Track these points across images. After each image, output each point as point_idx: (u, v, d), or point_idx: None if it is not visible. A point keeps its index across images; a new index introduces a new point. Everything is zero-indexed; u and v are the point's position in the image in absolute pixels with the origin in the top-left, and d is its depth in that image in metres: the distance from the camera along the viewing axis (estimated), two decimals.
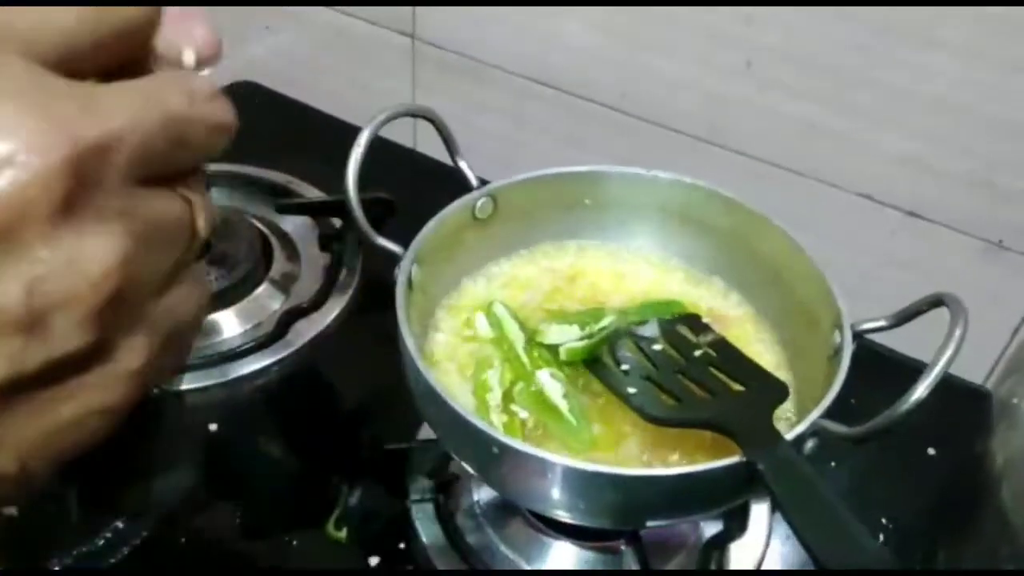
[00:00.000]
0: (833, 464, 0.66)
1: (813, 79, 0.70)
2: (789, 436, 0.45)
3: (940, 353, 0.43)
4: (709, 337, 0.56)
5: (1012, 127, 0.64)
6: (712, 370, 0.52)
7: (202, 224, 0.24)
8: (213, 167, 0.80)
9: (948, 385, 0.44)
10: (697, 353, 0.54)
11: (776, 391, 0.51)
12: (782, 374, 0.56)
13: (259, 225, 0.76)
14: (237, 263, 0.70)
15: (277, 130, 0.88)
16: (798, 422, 0.46)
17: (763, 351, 0.59)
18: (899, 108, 0.68)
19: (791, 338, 0.58)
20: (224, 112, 0.24)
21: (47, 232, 0.20)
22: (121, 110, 0.21)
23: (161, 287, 0.23)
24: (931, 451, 0.66)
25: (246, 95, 0.93)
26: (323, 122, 0.93)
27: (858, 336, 0.51)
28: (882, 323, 0.51)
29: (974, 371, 0.70)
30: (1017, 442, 0.46)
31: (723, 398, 0.50)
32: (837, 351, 0.51)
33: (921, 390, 0.43)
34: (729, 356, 0.54)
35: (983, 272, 0.70)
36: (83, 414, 0.22)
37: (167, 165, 0.23)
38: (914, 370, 0.43)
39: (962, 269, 0.70)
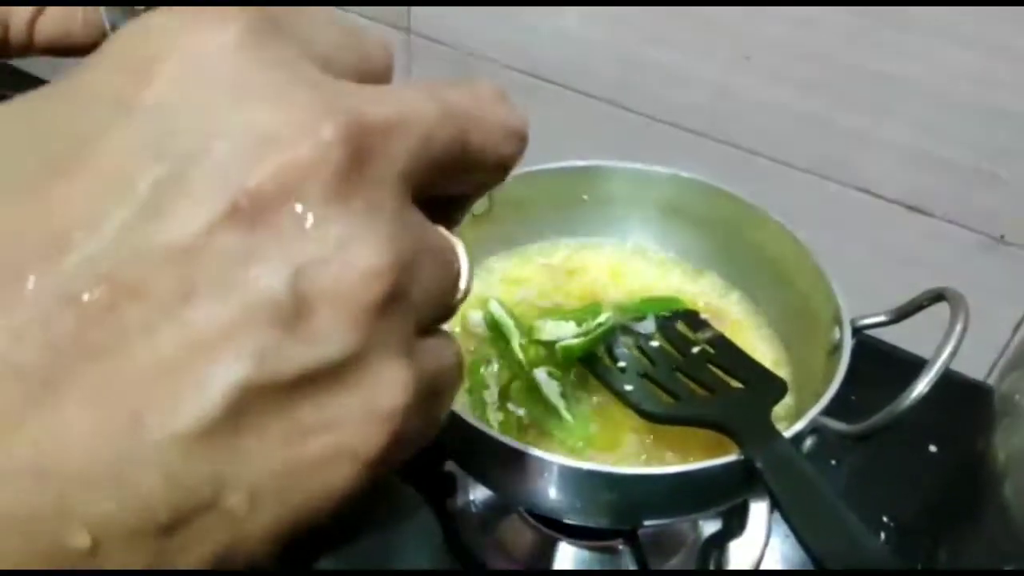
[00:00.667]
0: (834, 462, 0.65)
1: (813, 72, 0.69)
2: (788, 433, 0.44)
3: (940, 349, 0.42)
4: (707, 334, 0.55)
5: (1015, 119, 0.64)
6: (710, 367, 0.52)
7: (465, 277, 0.21)
8: None
9: (949, 381, 0.43)
10: (695, 350, 0.53)
11: (775, 388, 0.50)
12: (781, 371, 0.55)
13: None
14: None
15: None
16: (797, 419, 0.45)
17: (762, 347, 0.58)
18: (899, 101, 0.67)
19: (790, 334, 0.58)
20: (514, 115, 0.22)
21: (319, 211, 0.17)
22: (402, 98, 0.19)
23: (424, 325, 0.20)
24: (932, 448, 0.65)
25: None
26: None
27: (858, 332, 0.51)
28: (882, 319, 0.51)
29: (977, 367, 0.69)
30: (1019, 439, 0.46)
31: (721, 395, 0.49)
32: (837, 347, 0.50)
33: (921, 386, 0.42)
34: (727, 353, 0.53)
35: (985, 267, 0.69)
36: (331, 455, 0.18)
37: (446, 174, 0.20)
38: (916, 366, 0.43)
39: (964, 264, 0.70)
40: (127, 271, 0.16)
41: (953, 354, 0.42)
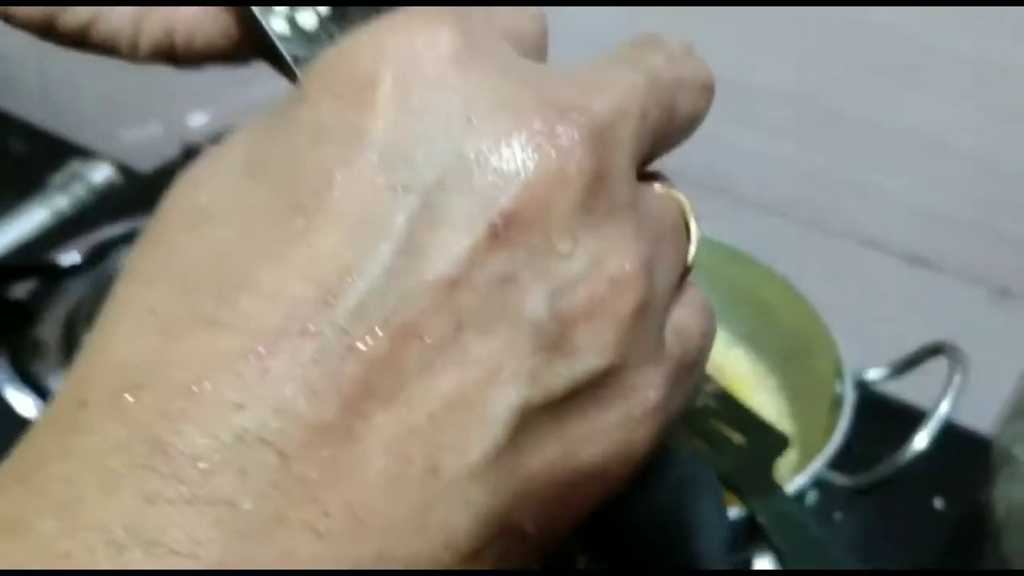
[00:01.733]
0: (839, 515, 0.65)
1: (817, 126, 0.70)
2: (790, 488, 0.44)
3: (938, 402, 0.43)
4: (710, 387, 0.55)
5: (1015, 175, 0.64)
6: (713, 421, 0.52)
7: (695, 227, 0.21)
8: None
9: (954, 433, 0.43)
10: (698, 404, 0.53)
11: (777, 442, 0.50)
12: (785, 424, 0.55)
13: None
14: None
15: None
16: (801, 473, 0.45)
17: (766, 401, 0.58)
18: (901, 154, 0.68)
19: (793, 388, 0.58)
20: (703, 67, 0.22)
21: (570, 226, 0.17)
22: (613, 79, 0.18)
23: (668, 305, 0.20)
24: (938, 500, 0.64)
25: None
26: None
27: (860, 386, 0.51)
28: (883, 373, 0.51)
29: (982, 418, 0.69)
30: (1018, 491, 0.46)
31: (724, 450, 0.50)
32: (839, 401, 0.50)
33: (920, 439, 0.42)
34: (730, 407, 0.53)
35: (990, 319, 0.69)
36: (602, 461, 0.18)
37: (659, 144, 0.20)
38: (919, 418, 0.43)
39: (969, 316, 0.69)
40: (400, 314, 0.16)
41: (951, 407, 0.42)
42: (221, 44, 0.28)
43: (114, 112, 0.99)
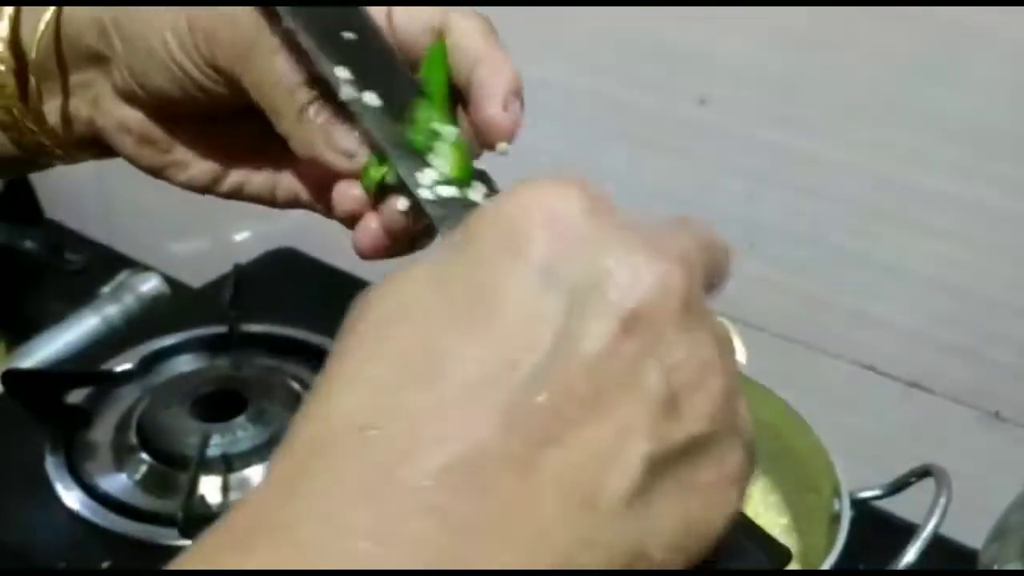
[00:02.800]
0: None
1: (812, 256, 0.75)
2: None
3: (926, 521, 0.46)
4: None
5: (1007, 308, 0.69)
6: None
7: (739, 342, 0.28)
8: (254, 328, 0.85)
9: (949, 549, 0.46)
10: None
11: (780, 555, 0.53)
12: (788, 538, 0.59)
13: (294, 384, 0.80)
14: (271, 420, 0.74)
15: (314, 294, 0.94)
16: None
17: (768, 515, 0.61)
18: (899, 286, 0.72)
19: (794, 503, 0.61)
20: (725, 241, 0.28)
21: (674, 323, 0.23)
22: (686, 239, 0.26)
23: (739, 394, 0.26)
24: None
25: (286, 260, 1.00)
26: (356, 286, 0.98)
27: (856, 503, 0.54)
28: (877, 492, 0.55)
29: (977, 534, 0.72)
30: None
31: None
32: (837, 517, 0.54)
33: (910, 555, 0.46)
34: (738, 520, 0.56)
35: (982, 441, 0.73)
36: (707, 507, 0.24)
37: (709, 285, 0.27)
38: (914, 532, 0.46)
39: (962, 438, 0.73)
40: (561, 379, 0.23)
41: (937, 525, 0.46)
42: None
43: (166, 228, 1.06)
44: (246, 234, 1.03)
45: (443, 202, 0.30)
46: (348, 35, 0.33)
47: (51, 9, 0.36)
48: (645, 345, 0.23)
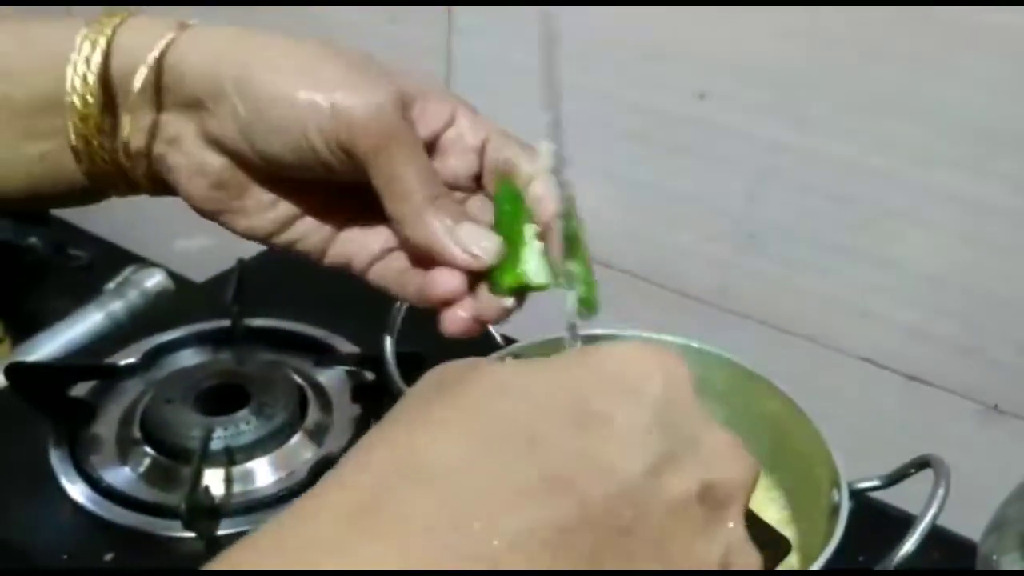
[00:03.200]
0: None
1: (815, 252, 0.75)
2: None
3: (924, 511, 0.46)
4: None
5: (1004, 302, 0.69)
6: None
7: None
8: (257, 322, 0.86)
9: (948, 541, 0.47)
10: None
11: (780, 547, 0.54)
12: (787, 530, 0.59)
13: (296, 378, 0.81)
14: (274, 414, 0.75)
15: (317, 289, 0.94)
16: None
17: (769, 508, 0.62)
18: (899, 281, 0.73)
19: (795, 496, 0.62)
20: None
21: (739, 514, 0.27)
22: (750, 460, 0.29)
23: None
24: None
25: (289, 255, 1.00)
26: (359, 281, 0.99)
27: (855, 495, 0.55)
28: (876, 483, 0.55)
29: (975, 527, 0.72)
30: None
31: None
32: (836, 509, 0.54)
33: (908, 546, 0.46)
34: None
35: (981, 434, 0.73)
36: None
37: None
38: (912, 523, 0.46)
39: (961, 431, 0.74)
40: (642, 506, 0.25)
41: (936, 516, 0.46)
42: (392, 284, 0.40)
43: (170, 224, 1.06)
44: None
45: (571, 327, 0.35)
46: None
47: (152, 51, 0.36)
48: (713, 518, 0.26)
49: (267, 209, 0.39)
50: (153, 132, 0.37)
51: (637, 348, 0.28)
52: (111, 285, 0.96)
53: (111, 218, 1.11)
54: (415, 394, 0.27)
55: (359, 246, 0.40)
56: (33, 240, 1.02)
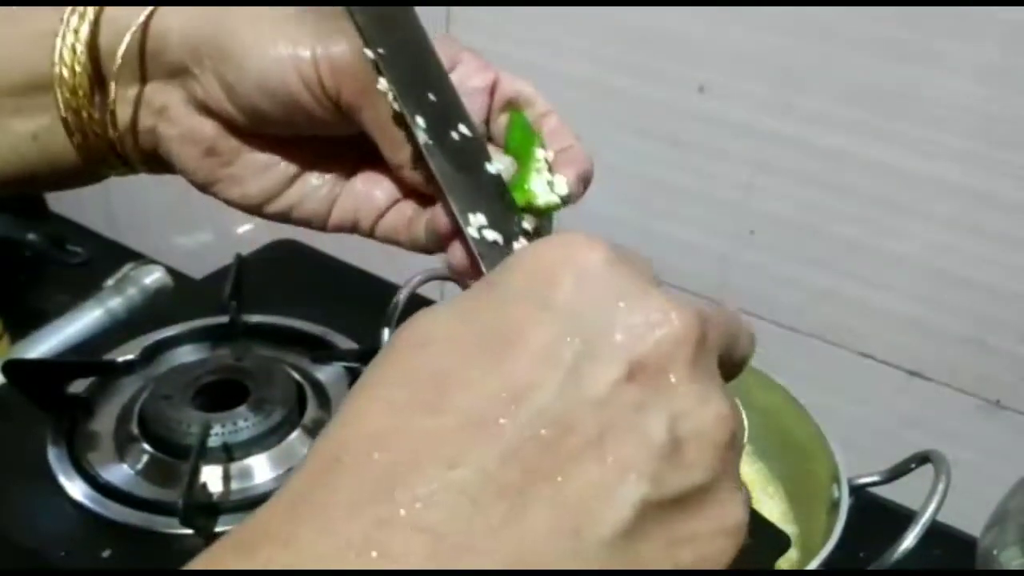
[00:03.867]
0: None
1: (815, 245, 0.75)
2: None
3: (924, 507, 0.46)
4: None
5: (1006, 296, 0.69)
6: None
7: (744, 415, 0.29)
8: (256, 319, 0.86)
9: (950, 537, 0.46)
10: None
11: (780, 542, 0.53)
12: (787, 526, 0.59)
13: (295, 374, 0.80)
14: (272, 410, 0.74)
15: (315, 285, 0.94)
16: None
17: (769, 504, 0.62)
18: (900, 275, 0.73)
19: (795, 491, 0.61)
20: (751, 328, 0.30)
21: (683, 374, 0.25)
22: (713, 307, 0.27)
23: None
24: None
25: (287, 252, 1.00)
26: (357, 277, 0.99)
27: (856, 490, 0.54)
28: (876, 478, 0.55)
29: (976, 522, 0.72)
30: None
31: None
32: (836, 504, 0.54)
33: (908, 541, 0.46)
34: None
35: (982, 429, 0.73)
36: (696, 560, 0.25)
37: (726, 358, 0.28)
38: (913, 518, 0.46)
39: (962, 426, 0.73)
40: (565, 416, 0.24)
41: (936, 511, 0.46)
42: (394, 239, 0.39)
43: (169, 221, 1.06)
44: (249, 226, 1.03)
45: (486, 244, 0.34)
46: (430, 94, 0.36)
47: (137, 19, 0.36)
48: (651, 391, 0.24)
49: (260, 173, 0.39)
50: (139, 101, 0.38)
51: (544, 251, 0.27)
52: (110, 281, 0.96)
53: (110, 214, 1.11)
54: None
55: (363, 202, 0.39)
56: (32, 236, 1.02)
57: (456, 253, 0.35)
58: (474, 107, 0.37)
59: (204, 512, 0.66)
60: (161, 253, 1.03)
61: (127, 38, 0.36)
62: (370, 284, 0.96)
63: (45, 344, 0.87)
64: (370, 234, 0.40)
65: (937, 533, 0.49)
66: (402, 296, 0.58)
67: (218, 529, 0.67)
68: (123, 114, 0.38)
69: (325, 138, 0.38)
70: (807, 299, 0.77)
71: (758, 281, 0.79)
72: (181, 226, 1.07)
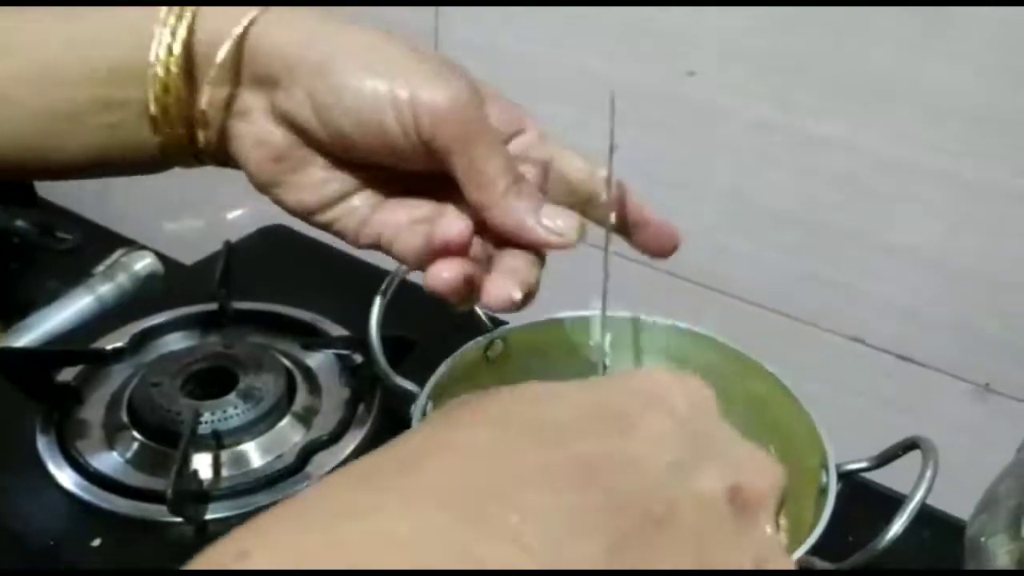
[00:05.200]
0: None
1: (805, 232, 0.75)
2: None
3: (913, 492, 0.46)
4: None
5: (995, 282, 0.69)
6: None
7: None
8: (245, 305, 0.85)
9: (934, 520, 0.46)
10: None
11: None
12: None
13: (285, 361, 0.80)
14: (263, 397, 0.74)
15: (305, 271, 0.94)
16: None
17: None
18: (889, 260, 0.73)
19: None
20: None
21: (771, 521, 0.28)
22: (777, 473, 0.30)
23: None
24: None
25: (277, 238, 0.99)
26: (347, 264, 0.98)
27: (844, 476, 0.55)
28: (864, 464, 0.55)
29: (965, 507, 0.72)
30: None
31: None
32: (824, 490, 0.54)
33: (896, 527, 0.46)
34: None
35: (972, 413, 0.73)
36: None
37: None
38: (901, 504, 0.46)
39: (952, 411, 0.74)
40: (671, 498, 0.26)
41: (924, 497, 0.46)
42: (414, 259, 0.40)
43: (160, 207, 1.06)
44: (239, 212, 1.03)
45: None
46: None
47: (237, 27, 0.37)
48: (746, 523, 0.27)
49: (319, 186, 0.40)
50: (229, 104, 0.39)
51: (661, 371, 0.30)
52: (100, 268, 0.96)
53: (100, 200, 1.10)
54: (437, 414, 0.30)
55: (390, 222, 0.41)
56: (20, 223, 1.01)
57: (444, 269, 0.36)
58: (532, 178, 0.40)
59: (194, 500, 0.66)
60: (152, 239, 1.03)
61: (227, 45, 0.37)
62: (360, 271, 0.96)
63: (34, 332, 0.87)
64: (388, 250, 0.41)
65: (926, 518, 0.49)
66: (391, 285, 0.58)
67: (208, 517, 0.67)
68: (212, 113, 0.39)
69: (387, 165, 0.39)
70: (796, 284, 0.77)
71: (748, 267, 0.79)
72: (172, 212, 1.07)
